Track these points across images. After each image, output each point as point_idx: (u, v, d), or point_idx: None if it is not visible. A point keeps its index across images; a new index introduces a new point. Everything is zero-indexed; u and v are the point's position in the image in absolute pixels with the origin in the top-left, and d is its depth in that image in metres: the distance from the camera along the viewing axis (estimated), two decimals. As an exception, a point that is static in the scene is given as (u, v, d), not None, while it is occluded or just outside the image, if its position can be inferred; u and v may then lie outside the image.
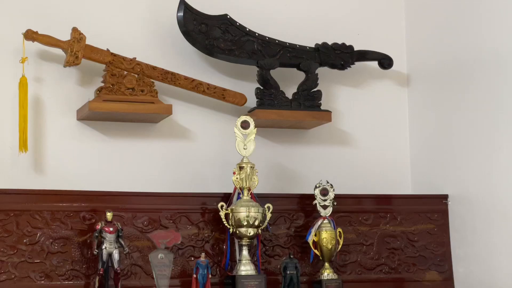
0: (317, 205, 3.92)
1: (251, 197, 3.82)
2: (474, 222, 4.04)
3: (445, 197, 4.21)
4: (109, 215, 3.58)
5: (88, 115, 3.86)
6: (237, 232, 3.78)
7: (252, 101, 4.10)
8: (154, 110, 3.89)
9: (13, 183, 3.69)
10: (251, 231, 3.77)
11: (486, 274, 3.94)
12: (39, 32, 3.75)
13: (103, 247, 3.55)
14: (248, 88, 4.13)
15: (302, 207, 4.04)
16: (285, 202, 4.02)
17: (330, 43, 4.23)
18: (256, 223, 3.77)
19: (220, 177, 3.99)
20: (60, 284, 3.59)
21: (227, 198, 3.86)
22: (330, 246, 3.88)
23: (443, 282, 4.13)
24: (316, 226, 3.91)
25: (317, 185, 3.94)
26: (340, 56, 4.25)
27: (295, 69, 4.20)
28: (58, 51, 3.84)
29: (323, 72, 4.22)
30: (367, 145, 4.38)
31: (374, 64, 4.33)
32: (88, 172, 3.91)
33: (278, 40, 4.15)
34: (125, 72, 3.88)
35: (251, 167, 3.82)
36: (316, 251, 3.91)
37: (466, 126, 4.10)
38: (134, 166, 4.00)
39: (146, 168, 4.02)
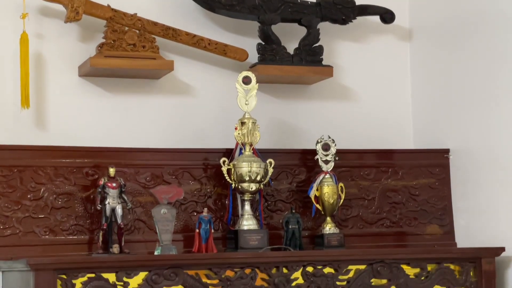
0: (319, 160, 3.93)
1: (253, 153, 3.83)
2: (475, 175, 4.05)
3: (446, 151, 4.22)
4: (111, 170, 3.60)
5: (90, 71, 3.86)
6: (239, 187, 3.80)
7: (253, 57, 4.09)
8: (156, 66, 3.88)
9: (16, 139, 3.70)
10: (253, 186, 3.79)
11: (487, 227, 3.96)
12: (39, -12, 3.74)
13: (106, 202, 3.57)
14: (250, 43, 4.12)
15: (304, 162, 4.05)
16: (287, 157, 4.03)
17: (331, -3, 4.21)
18: (258, 178, 3.79)
19: (222, 133, 4.00)
20: (65, 238, 3.62)
21: (229, 153, 3.88)
22: (331, 201, 3.90)
23: (444, 235, 4.16)
24: (318, 181, 3.93)
25: (319, 140, 3.95)
26: (342, 11, 4.22)
27: (296, 24, 4.18)
28: (59, 7, 3.82)
29: (324, 27, 4.20)
30: (368, 100, 4.38)
31: (376, 18, 4.31)
32: (90, 128, 3.91)
33: (279, -5, 4.13)
34: (126, 28, 3.86)
35: (253, 122, 3.82)
36: (317, 205, 3.93)
37: (468, 80, 4.10)
38: (136, 122, 4.01)
39: (148, 124, 4.02)
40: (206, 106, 4.11)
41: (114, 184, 3.59)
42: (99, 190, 3.59)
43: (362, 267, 3.64)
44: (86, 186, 3.70)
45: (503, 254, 3.78)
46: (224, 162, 3.82)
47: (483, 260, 3.76)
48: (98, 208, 3.59)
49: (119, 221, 3.57)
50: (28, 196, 3.61)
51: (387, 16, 4.30)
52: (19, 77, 3.69)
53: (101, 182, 3.59)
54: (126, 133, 3.96)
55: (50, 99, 3.86)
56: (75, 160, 3.70)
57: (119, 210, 3.58)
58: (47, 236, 3.60)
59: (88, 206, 3.68)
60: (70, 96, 3.91)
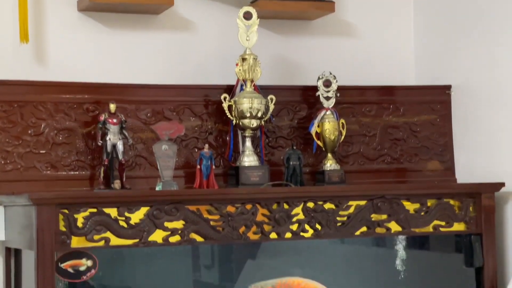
0: (320, 96, 3.92)
1: (254, 89, 3.82)
2: (477, 112, 4.05)
3: (448, 87, 4.20)
4: (112, 106, 3.59)
5: (89, 6, 3.82)
6: (240, 123, 3.79)
7: (254, -8, 4.05)
8: (155, 1, 3.83)
9: (15, 74, 3.68)
10: (254, 123, 3.79)
11: (487, 163, 3.97)
12: None
13: (107, 138, 3.57)
14: (251, -22, 4.07)
15: (305, 99, 4.04)
16: (288, 93, 4.02)
17: None
18: (259, 114, 3.78)
19: (223, 69, 3.97)
20: (66, 174, 3.63)
21: (230, 89, 3.86)
22: (332, 137, 3.90)
23: (445, 172, 4.18)
24: (319, 117, 3.92)
25: (320, 76, 3.93)
26: None
27: (298, -42, 4.13)
28: None
29: (326, -38, 4.15)
30: (370, 36, 4.34)
31: (379, -47, 4.27)
32: (90, 64, 3.89)
33: None
34: (126, -38, 3.82)
35: (254, 58, 3.80)
36: (319, 142, 3.93)
37: (471, 16, 4.06)
38: (136, 58, 3.98)
39: (148, 60, 3.99)
40: (206, 42, 4.08)
41: (114, 120, 3.59)
42: (100, 126, 3.58)
43: (363, 202, 3.66)
44: (87, 122, 3.70)
45: (503, 189, 3.80)
46: (225, 98, 3.81)
47: (482, 195, 3.78)
48: (99, 144, 3.59)
49: (120, 157, 3.58)
50: (29, 131, 3.61)
51: (390, -50, 4.25)
52: (18, 12, 3.65)
53: (102, 118, 3.58)
54: (126, 69, 3.93)
55: (49, 34, 3.83)
56: (75, 95, 3.69)
57: (120, 146, 3.58)
58: (48, 172, 3.61)
59: (89, 142, 3.68)
60: (69, 31, 3.87)
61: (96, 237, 3.29)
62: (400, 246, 3.87)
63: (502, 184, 3.79)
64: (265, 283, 3.57)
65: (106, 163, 3.57)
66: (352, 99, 4.10)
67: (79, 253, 3.28)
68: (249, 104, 3.76)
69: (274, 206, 3.55)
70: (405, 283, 3.88)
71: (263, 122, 3.83)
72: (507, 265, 3.84)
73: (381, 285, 3.79)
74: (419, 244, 3.91)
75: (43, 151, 3.62)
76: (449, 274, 3.87)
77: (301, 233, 3.58)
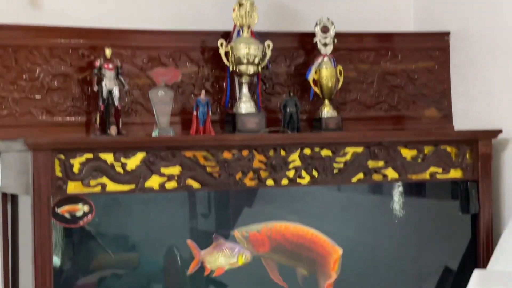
0: (318, 42, 3.89)
1: (251, 35, 3.79)
2: (475, 59, 4.02)
3: (446, 34, 4.17)
4: (108, 52, 3.56)
5: (84, -51, 3.78)
6: (237, 70, 3.77)
7: None
8: None
9: (9, 18, 3.63)
10: (251, 69, 3.76)
11: (485, 110, 3.96)
12: None
13: (103, 84, 3.54)
14: None
15: (302, 45, 4.01)
16: (285, 40, 3.98)
17: None
18: (256, 60, 3.75)
19: (220, 15, 3.93)
20: (62, 120, 3.62)
21: (227, 35, 3.83)
22: (330, 84, 3.88)
23: (442, 119, 4.16)
24: (316, 64, 3.89)
25: (318, 22, 3.89)
26: None
27: None
28: None
29: None
30: (369, -19, 4.30)
31: None
32: (86, 8, 3.84)
33: None
34: None
35: (250, 3, 3.76)
36: (316, 88, 3.91)
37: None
38: (132, 2, 3.93)
39: (145, 4, 3.95)
40: (204, -14, 4.04)
41: (110, 66, 3.56)
42: (96, 71, 3.56)
43: (359, 149, 3.65)
44: (82, 68, 3.66)
45: (500, 136, 3.80)
46: (221, 44, 3.78)
47: (480, 142, 3.77)
48: (95, 89, 3.56)
49: (116, 102, 3.56)
50: (24, 76, 3.58)
51: None
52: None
53: (98, 63, 3.55)
54: (123, 14, 3.89)
55: (44, -23, 3.79)
56: (70, 40, 3.65)
57: (116, 92, 3.56)
58: (44, 117, 3.59)
59: (85, 88, 3.66)
60: (64, -27, 3.83)
61: (92, 182, 3.29)
62: (397, 193, 3.88)
63: (499, 131, 3.79)
64: (249, 228, 3.57)
65: (102, 109, 3.55)
66: (350, 46, 4.07)
67: (75, 199, 3.28)
68: (246, 50, 3.72)
69: (271, 153, 3.54)
70: (401, 230, 3.89)
71: (260, 69, 3.81)
72: (503, 212, 3.85)
73: (377, 232, 3.80)
74: (415, 191, 3.92)
75: (39, 97, 3.59)
76: (445, 220, 3.89)
77: (298, 180, 3.58)
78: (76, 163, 3.26)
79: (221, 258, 3.56)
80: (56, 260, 3.46)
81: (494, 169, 3.84)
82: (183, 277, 3.78)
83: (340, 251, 3.69)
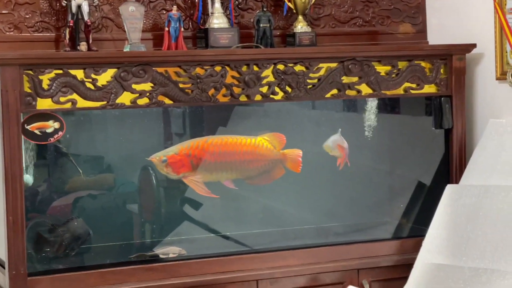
0: (291, -40, 3.82)
1: None
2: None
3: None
4: (76, -35, 3.47)
5: None
6: (209, -16, 3.70)
7: None
8: None
9: None
10: (224, -17, 3.70)
11: (459, 25, 3.93)
12: None
13: (72, -3, 3.47)
14: None
15: (276, -41, 3.94)
16: (259, -47, 3.91)
17: None
18: (229, -26, 3.69)
19: None
20: (30, 35, 3.53)
21: (197, -50, 3.75)
22: (304, -1, 3.83)
23: (417, 34, 4.12)
24: (290, -22, 3.83)
25: None
26: None
27: None
28: None
29: None
30: None
31: None
32: None
33: None
34: None
35: None
36: (289, 4, 3.85)
37: None
38: None
39: None
40: None
41: (78, -27, 3.46)
42: (64, -15, 3.48)
43: (333, 65, 3.62)
44: (50, -19, 3.59)
45: (474, 50, 3.78)
46: (193, -42, 3.70)
47: (453, 57, 3.75)
48: (64, 4, 3.48)
49: (85, 18, 3.48)
50: (-11, -16, 3.49)
51: None
52: None
53: (65, -23, 3.47)
54: None
55: None
56: (36, -48, 3.56)
57: (85, 7, 3.48)
58: (11, 33, 3.51)
59: (53, 3, 3.56)
60: None
61: (62, 99, 3.24)
62: (371, 109, 3.88)
63: (473, 45, 3.77)
64: (167, 152, 3.54)
65: (71, 24, 3.47)
66: (324, -41, 4.00)
67: (45, 115, 3.24)
68: (218, -37, 3.66)
69: (244, 68, 3.51)
70: (376, 146, 3.91)
71: (233, -15, 3.74)
72: (476, 126, 3.86)
73: (352, 147, 3.81)
74: (389, 107, 3.93)
75: (5, 11, 3.49)
76: (419, 136, 3.91)
77: (271, 96, 3.56)
78: (45, 79, 3.21)
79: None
80: (29, 179, 3.45)
81: (468, 84, 3.84)
82: (158, 197, 3.80)
83: (299, 151, 3.69)
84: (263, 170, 3.68)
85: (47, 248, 3.43)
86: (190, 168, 3.55)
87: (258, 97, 3.54)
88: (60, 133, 3.28)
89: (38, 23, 3.55)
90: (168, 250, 3.54)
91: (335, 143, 3.76)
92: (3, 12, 3.50)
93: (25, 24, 3.53)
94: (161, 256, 3.51)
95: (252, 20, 3.83)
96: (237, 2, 3.88)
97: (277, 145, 3.67)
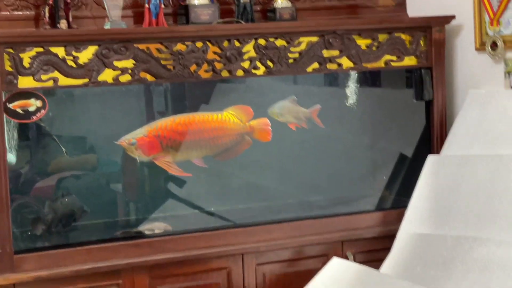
0: None
1: None
2: None
3: None
4: None
5: None
6: (188, -39, 3.69)
7: None
8: None
9: None
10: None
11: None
12: None
13: (50, -24, 3.44)
14: None
15: None
16: None
17: None
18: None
19: None
20: (10, 14, 3.50)
21: None
22: (283, -23, 3.82)
23: (397, 7, 4.12)
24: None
25: None
26: None
27: None
28: None
29: None
30: None
31: None
32: None
33: None
34: None
35: None
36: (269, -22, 3.85)
37: None
38: None
39: None
40: None
41: None
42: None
43: (314, 39, 3.64)
44: None
45: (453, 22, 3.80)
46: None
47: (433, 29, 3.77)
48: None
49: (65, -6, 3.47)
50: (-34, -32, 3.47)
51: None
52: None
53: None
54: None
55: None
56: None
57: (64, -15, 3.47)
58: (-8, 14, 3.50)
59: (32, -19, 3.57)
60: None
61: (44, 77, 3.24)
62: (352, 82, 3.90)
63: (452, 17, 3.79)
64: (135, 134, 3.51)
65: (50, 2, 3.46)
66: None
67: (27, 94, 3.24)
68: None
69: (225, 44, 3.51)
70: (357, 118, 3.94)
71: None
72: (456, 97, 3.89)
73: (333, 121, 3.83)
74: (370, 80, 3.95)
75: (-19, -11, 3.49)
76: (400, 108, 3.94)
77: (253, 70, 3.57)
78: (26, 57, 3.21)
79: None
80: (12, 158, 3.45)
81: (448, 55, 3.86)
82: (141, 175, 3.81)
83: (265, 120, 3.69)
84: (232, 145, 3.68)
85: (33, 226, 3.44)
86: (160, 149, 3.54)
87: (240, 72, 3.55)
88: (43, 111, 3.28)
89: (17, 2, 3.53)
90: (153, 227, 3.56)
91: (284, 109, 3.77)
92: (-21, -11, 3.48)
93: (4, 2, 3.50)
94: (146, 232, 3.53)
95: (232, -5, 3.83)
96: (215, -21, 3.87)
97: (243, 118, 3.67)
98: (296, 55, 3.62)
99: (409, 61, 3.79)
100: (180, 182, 3.82)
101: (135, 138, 3.52)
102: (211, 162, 3.65)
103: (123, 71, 3.36)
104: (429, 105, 3.83)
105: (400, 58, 3.77)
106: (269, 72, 3.59)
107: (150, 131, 3.54)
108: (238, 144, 3.68)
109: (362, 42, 3.71)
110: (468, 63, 3.82)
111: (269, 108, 3.75)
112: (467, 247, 3.18)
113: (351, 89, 3.92)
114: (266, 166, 3.88)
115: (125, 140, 3.51)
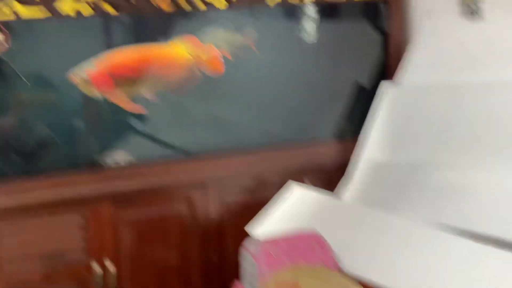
0: None
1: None
2: None
3: None
4: None
5: None
6: None
7: None
8: None
9: None
10: None
11: None
12: None
13: None
14: None
15: None
16: None
17: None
18: None
19: None
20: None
21: None
22: None
23: None
24: None
25: None
26: None
27: None
28: None
29: None
30: None
31: None
32: None
33: None
34: None
35: None
36: None
37: None
38: None
39: None
40: None
41: None
42: None
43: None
44: None
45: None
46: None
47: (391, -39, 3.81)
48: None
49: None
50: None
51: None
52: None
53: None
54: None
55: None
56: None
57: None
58: None
59: None
60: None
61: (6, 10, 3.23)
62: (310, 15, 3.91)
63: None
64: (85, 69, 3.27)
65: None
66: None
67: (-11, 27, 3.23)
68: None
69: (186, -24, 3.52)
70: (315, 52, 3.96)
71: None
72: (413, 28, 3.94)
73: (292, 56, 3.86)
74: (328, 13, 3.96)
75: None
76: (357, 40, 3.97)
77: (215, 4, 3.58)
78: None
79: None
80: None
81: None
82: (103, 111, 3.80)
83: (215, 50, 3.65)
84: (182, 78, 3.60)
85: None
86: (112, 84, 3.42)
87: (201, 5, 3.56)
88: (6, 45, 3.27)
89: None
90: (115, 157, 3.59)
91: (217, 37, 3.70)
92: None
93: None
94: (109, 163, 3.57)
95: None
96: None
97: (190, 48, 3.53)
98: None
99: (367, -6, 3.83)
100: (140, 116, 3.82)
101: (86, 73, 3.40)
102: (169, 96, 3.64)
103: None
104: (386, 37, 3.89)
105: (358, -9, 3.81)
106: (230, 6, 3.60)
107: (99, 65, 3.43)
108: (188, 77, 3.61)
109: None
110: (424, -7, 3.87)
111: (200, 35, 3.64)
112: (422, 172, 3.27)
113: (308, 21, 3.92)
114: (223, 97, 3.87)
115: (77, 76, 3.25)
